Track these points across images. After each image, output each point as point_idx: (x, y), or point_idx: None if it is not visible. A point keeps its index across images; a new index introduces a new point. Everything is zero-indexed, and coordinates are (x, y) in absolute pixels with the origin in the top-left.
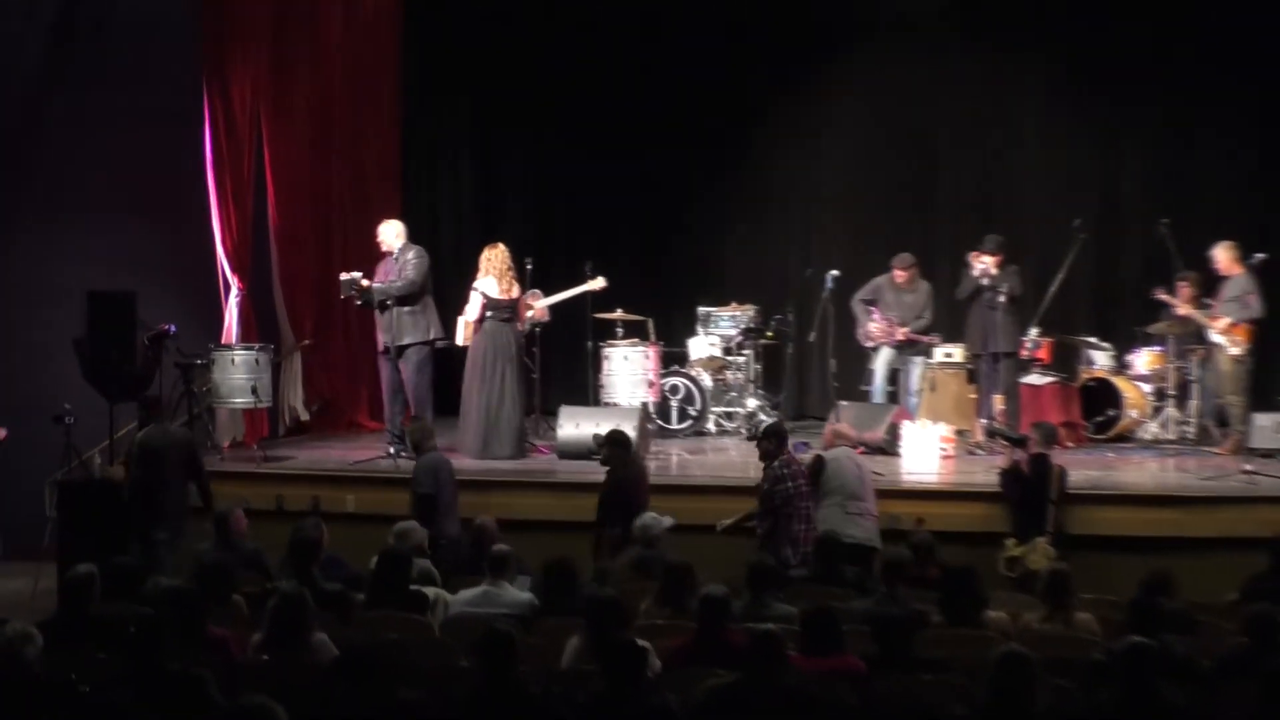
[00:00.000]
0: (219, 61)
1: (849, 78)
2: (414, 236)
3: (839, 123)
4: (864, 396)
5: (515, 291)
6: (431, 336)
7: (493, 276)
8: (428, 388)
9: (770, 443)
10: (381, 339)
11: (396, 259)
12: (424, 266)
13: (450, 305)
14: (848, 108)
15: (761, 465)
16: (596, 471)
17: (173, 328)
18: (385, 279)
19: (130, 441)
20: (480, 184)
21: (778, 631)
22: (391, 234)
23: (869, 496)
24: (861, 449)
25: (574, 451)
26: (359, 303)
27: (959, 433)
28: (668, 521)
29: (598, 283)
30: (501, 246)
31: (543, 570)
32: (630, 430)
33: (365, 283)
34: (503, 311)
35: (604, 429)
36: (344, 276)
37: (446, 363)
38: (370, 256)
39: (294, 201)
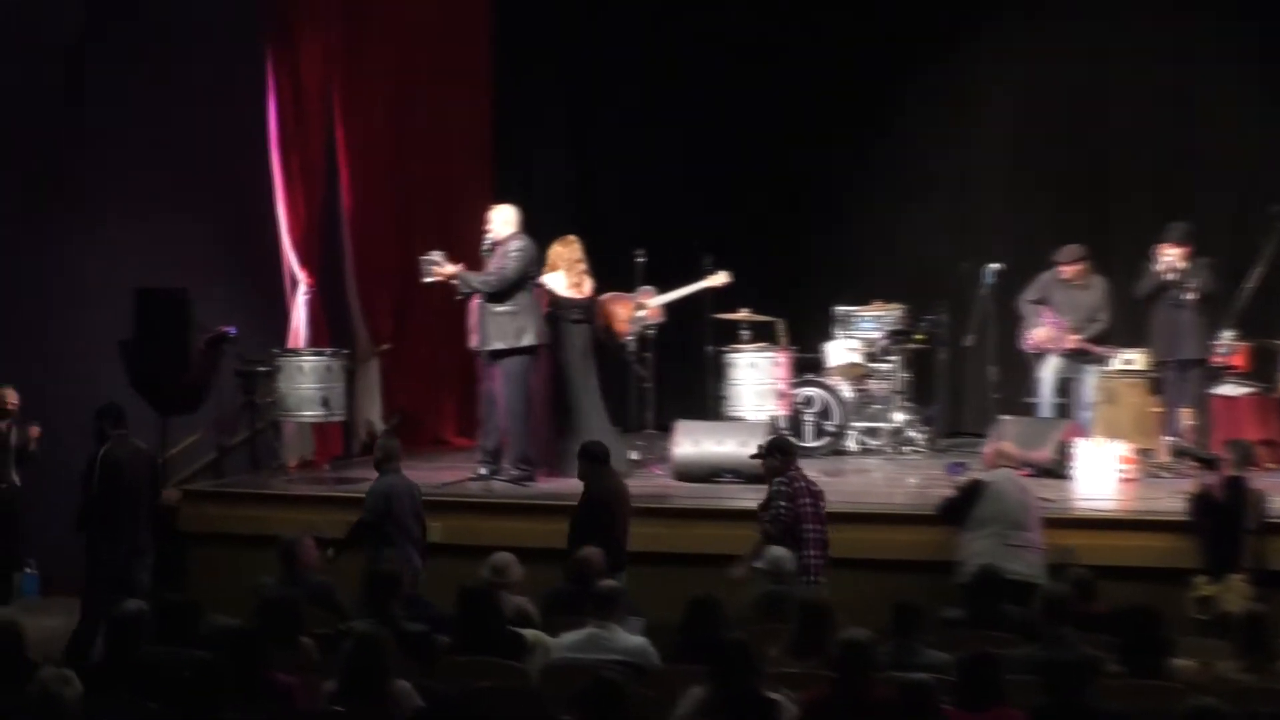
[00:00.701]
0: (285, 28)
1: (1005, 40)
2: None
3: (996, 92)
4: (1030, 410)
5: (588, 288)
6: (525, 342)
7: (560, 270)
8: (522, 401)
9: (775, 459)
10: (473, 340)
11: (501, 248)
12: (524, 260)
13: None
14: (1006, 74)
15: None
16: (721, 496)
17: (232, 330)
18: (489, 269)
19: (93, 458)
20: (581, 168)
21: (929, 682)
22: (500, 220)
23: (1034, 526)
24: (1026, 471)
25: (692, 473)
26: (459, 296)
27: (1140, 452)
28: None
29: (720, 278)
30: (573, 240)
31: (687, 609)
32: (755, 449)
33: (448, 269)
34: (573, 311)
35: (728, 447)
36: (424, 257)
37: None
38: (458, 248)
39: (371, 186)
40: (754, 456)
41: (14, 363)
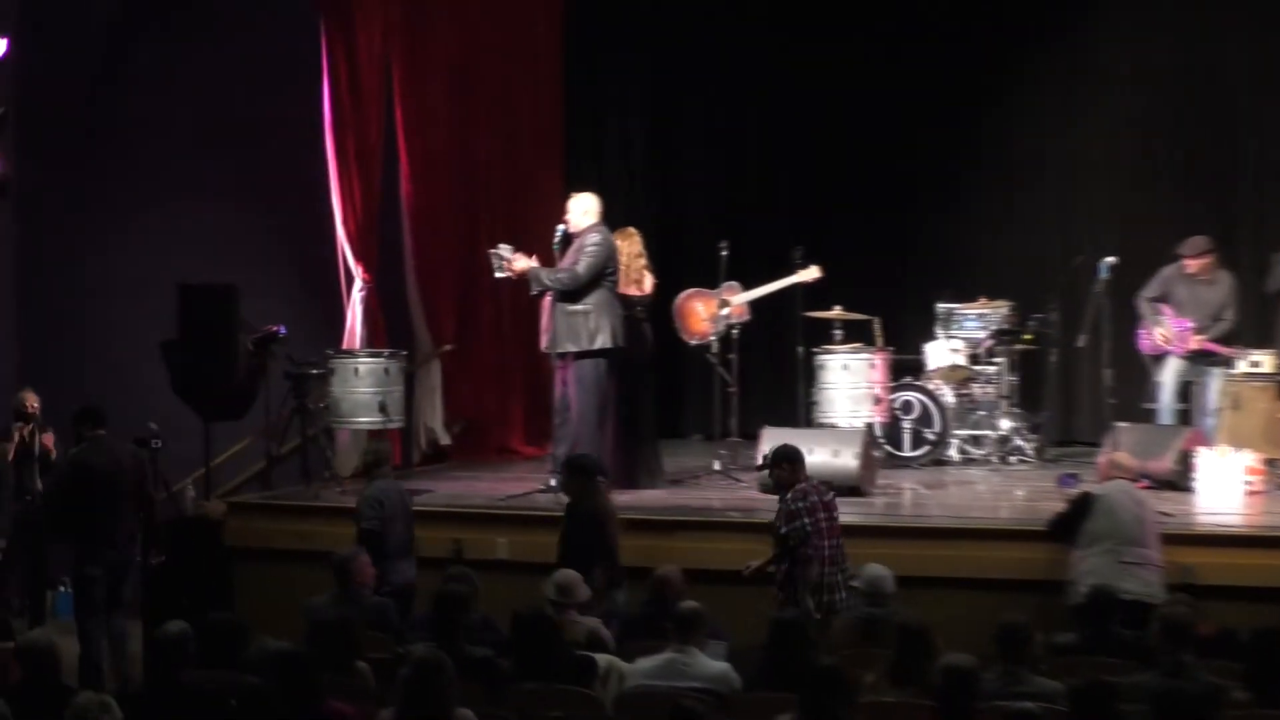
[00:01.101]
0: (341, 3)
1: (1121, 16)
2: None
3: (1112, 72)
4: (1148, 417)
5: (649, 285)
6: (599, 345)
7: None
8: (596, 409)
9: (784, 469)
10: (544, 340)
11: (577, 241)
12: (601, 257)
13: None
14: (1123, 53)
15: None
16: None
17: (283, 329)
18: (564, 264)
19: (62, 459)
20: (659, 154)
21: (1038, 712)
22: (578, 210)
23: (1151, 542)
24: (1144, 483)
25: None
26: (532, 294)
27: (1268, 462)
28: None
29: (811, 273)
30: (633, 232)
31: (772, 632)
32: (852, 458)
33: (519, 263)
34: (634, 310)
35: (818, 456)
36: (493, 250)
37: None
38: (526, 240)
39: (432, 173)
40: (760, 467)
41: (49, 363)
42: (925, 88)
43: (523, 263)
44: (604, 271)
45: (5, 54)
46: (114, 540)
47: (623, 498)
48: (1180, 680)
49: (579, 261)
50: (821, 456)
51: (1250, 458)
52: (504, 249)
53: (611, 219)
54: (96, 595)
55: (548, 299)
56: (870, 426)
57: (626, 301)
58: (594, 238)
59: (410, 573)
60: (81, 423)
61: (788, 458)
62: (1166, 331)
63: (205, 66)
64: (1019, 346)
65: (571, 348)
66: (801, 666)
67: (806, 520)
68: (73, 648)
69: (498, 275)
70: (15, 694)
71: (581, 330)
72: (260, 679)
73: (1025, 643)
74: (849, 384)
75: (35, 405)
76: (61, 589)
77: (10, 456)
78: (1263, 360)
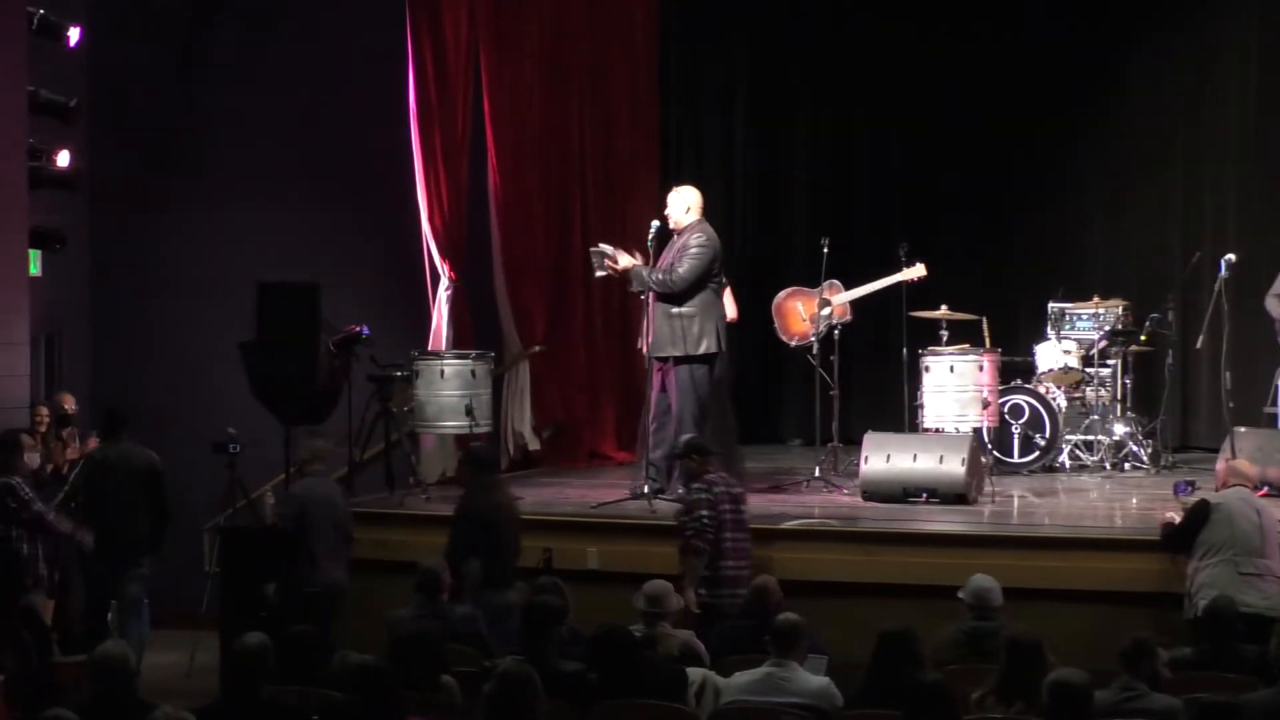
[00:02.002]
0: None
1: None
2: None
3: (1233, 60)
4: (1269, 421)
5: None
6: (703, 350)
7: None
8: (695, 414)
9: (693, 461)
10: (644, 342)
11: (680, 240)
12: (705, 258)
13: None
14: (1244, 38)
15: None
16: (915, 518)
17: (365, 329)
18: (665, 264)
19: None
20: (759, 146)
21: None
22: (679, 206)
23: (1272, 553)
24: (1264, 490)
25: (882, 491)
26: (639, 293)
27: None
28: None
29: (916, 270)
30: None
31: (878, 644)
32: (958, 464)
33: (621, 262)
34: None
35: (923, 462)
36: (593, 248)
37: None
38: (621, 236)
39: (522, 166)
40: (671, 457)
41: (122, 364)
42: (1037, 75)
43: (626, 260)
44: (709, 273)
45: (78, 43)
46: (119, 537)
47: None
48: None
49: (680, 262)
50: (927, 463)
51: None
52: (605, 247)
53: (712, 210)
54: (99, 592)
55: (650, 299)
56: (978, 431)
57: None
58: (698, 238)
59: (338, 575)
60: (103, 426)
61: (697, 450)
62: None
63: (285, 56)
64: (1134, 348)
65: (674, 352)
66: (906, 682)
67: (705, 512)
68: (146, 660)
69: (599, 274)
70: (87, 709)
71: (685, 334)
72: (341, 693)
73: (1142, 658)
74: (955, 387)
75: (73, 408)
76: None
77: (52, 465)
78: None
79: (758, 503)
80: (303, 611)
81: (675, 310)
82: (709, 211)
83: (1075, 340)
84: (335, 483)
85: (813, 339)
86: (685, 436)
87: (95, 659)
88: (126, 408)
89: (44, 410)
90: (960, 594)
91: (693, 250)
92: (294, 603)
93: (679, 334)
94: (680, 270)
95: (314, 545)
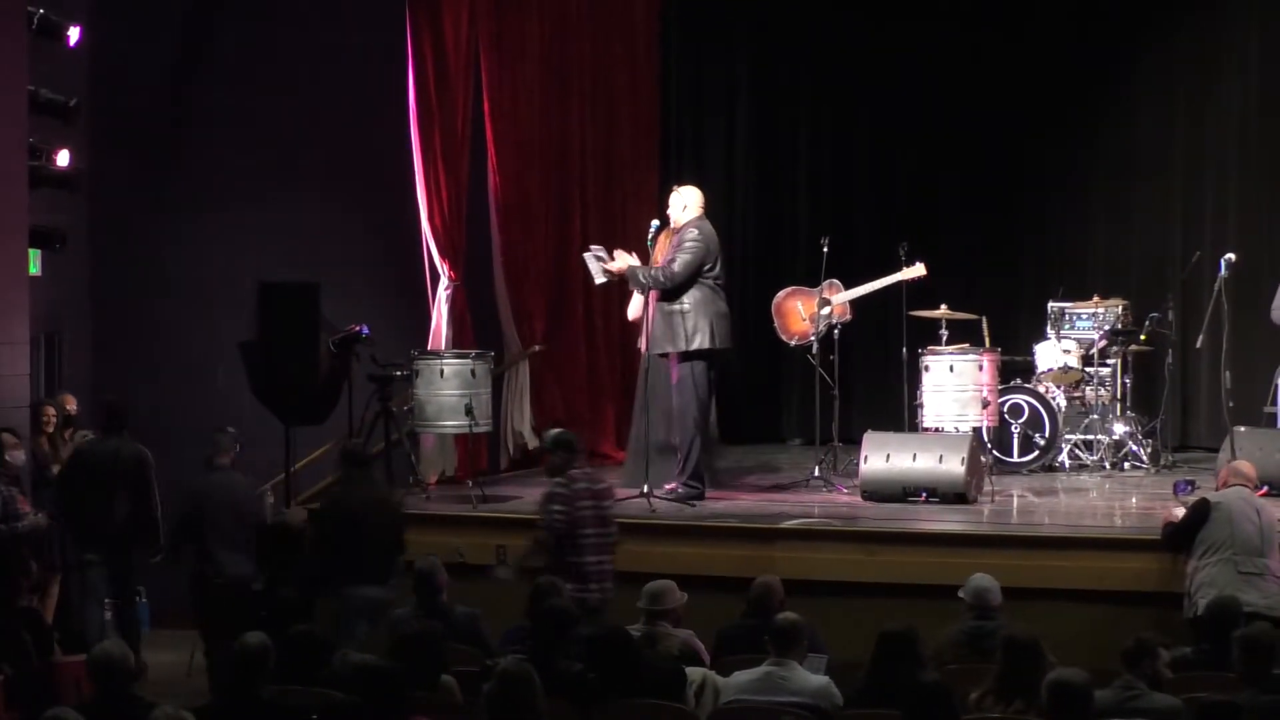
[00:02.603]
0: None
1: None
2: None
3: (1233, 60)
4: (1270, 421)
5: None
6: (696, 345)
7: None
8: (693, 412)
9: (558, 456)
10: (642, 341)
11: (675, 237)
12: (698, 254)
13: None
14: (1244, 39)
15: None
16: (915, 517)
17: (365, 329)
18: (661, 261)
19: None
20: (760, 145)
21: None
22: (678, 205)
23: (1272, 552)
24: (1264, 490)
25: (882, 491)
26: (635, 288)
27: None
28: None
29: (916, 270)
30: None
31: (879, 644)
32: (958, 464)
33: (617, 263)
34: None
35: (923, 462)
36: (586, 254)
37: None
38: (621, 235)
39: (522, 165)
40: (538, 450)
41: (123, 364)
42: (1038, 75)
43: (621, 260)
44: (702, 268)
45: (78, 42)
46: (104, 531)
47: (719, 505)
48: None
49: (675, 258)
50: (927, 462)
51: None
52: (596, 249)
53: (713, 210)
54: (95, 582)
55: (650, 297)
56: (977, 431)
57: None
58: (691, 233)
59: (242, 567)
60: (104, 420)
61: (561, 444)
62: None
63: (285, 56)
64: (1134, 347)
65: (669, 348)
66: (907, 682)
67: (557, 508)
68: (151, 658)
69: (599, 281)
70: (88, 708)
71: (679, 330)
72: (342, 693)
73: (1141, 657)
74: (955, 386)
75: (74, 408)
76: (138, 599)
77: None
78: None
79: (757, 502)
80: (212, 604)
81: (670, 307)
82: (710, 210)
83: (1075, 340)
84: (240, 476)
85: (812, 338)
86: (553, 431)
87: (95, 658)
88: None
89: (51, 410)
90: (960, 593)
91: (686, 245)
92: (206, 594)
93: (674, 330)
94: (673, 266)
95: (209, 538)
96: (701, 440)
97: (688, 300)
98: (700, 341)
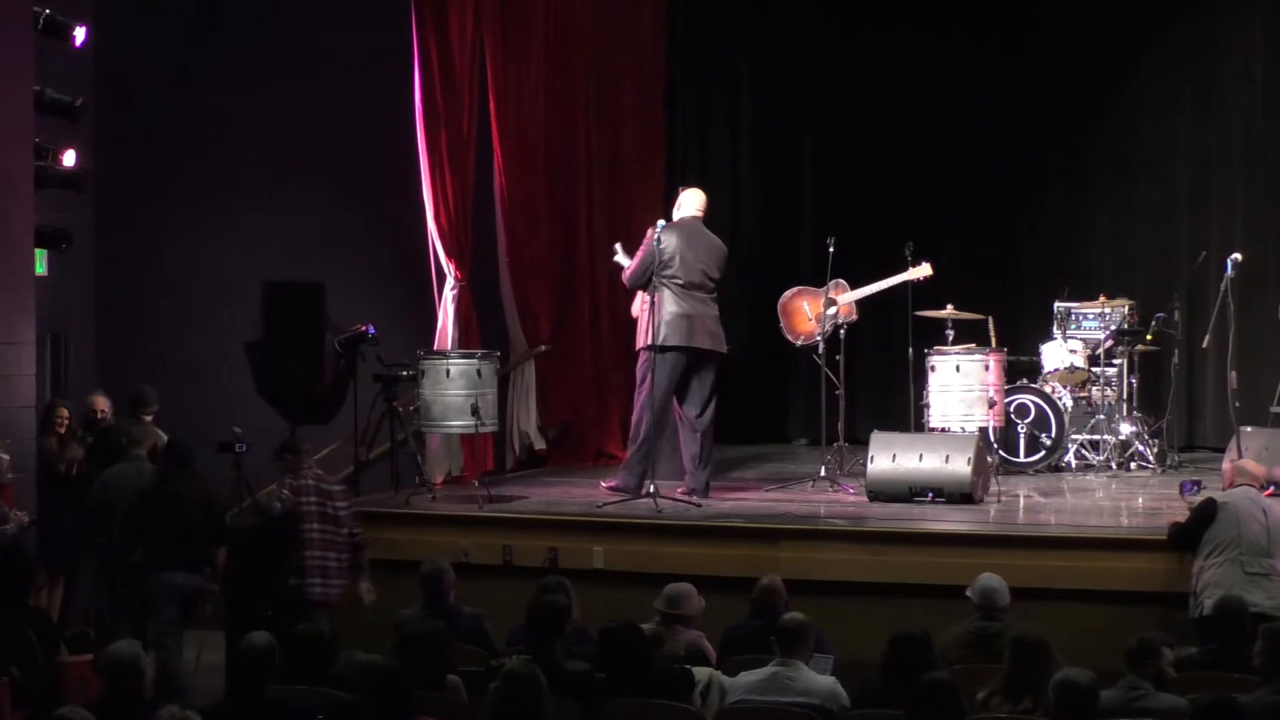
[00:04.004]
0: None
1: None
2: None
3: (1241, 57)
4: (1277, 421)
5: None
6: (641, 343)
7: None
8: (643, 407)
9: (286, 459)
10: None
11: None
12: (646, 255)
13: (725, 297)
14: (1252, 35)
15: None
16: (922, 517)
17: (371, 329)
18: None
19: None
20: (766, 145)
21: None
22: (675, 205)
23: (1279, 552)
24: (1271, 490)
25: (888, 491)
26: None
27: None
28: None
29: (922, 270)
30: None
31: (890, 647)
32: (964, 464)
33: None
34: None
35: (929, 462)
36: (616, 258)
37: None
38: (628, 236)
39: (528, 165)
40: (276, 457)
41: (127, 364)
42: (1044, 73)
43: (618, 257)
44: (649, 269)
45: (83, 43)
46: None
47: (724, 505)
48: None
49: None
50: (933, 462)
51: None
52: (616, 247)
53: (719, 211)
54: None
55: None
56: (984, 431)
57: None
58: (649, 234)
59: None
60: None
61: (290, 449)
62: None
63: (291, 56)
64: (1140, 347)
65: (638, 345)
66: (913, 683)
67: (285, 491)
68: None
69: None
70: (97, 708)
71: (640, 328)
72: (348, 694)
73: (1148, 657)
74: (961, 386)
75: (105, 409)
76: None
77: (75, 469)
78: None
79: (763, 502)
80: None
81: (638, 305)
82: (714, 211)
83: (1081, 340)
84: (151, 467)
85: (818, 338)
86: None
87: (107, 658)
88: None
89: (64, 412)
90: (967, 592)
91: (642, 246)
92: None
93: (639, 328)
94: (631, 263)
95: (114, 528)
96: (643, 437)
97: (650, 299)
98: (650, 339)
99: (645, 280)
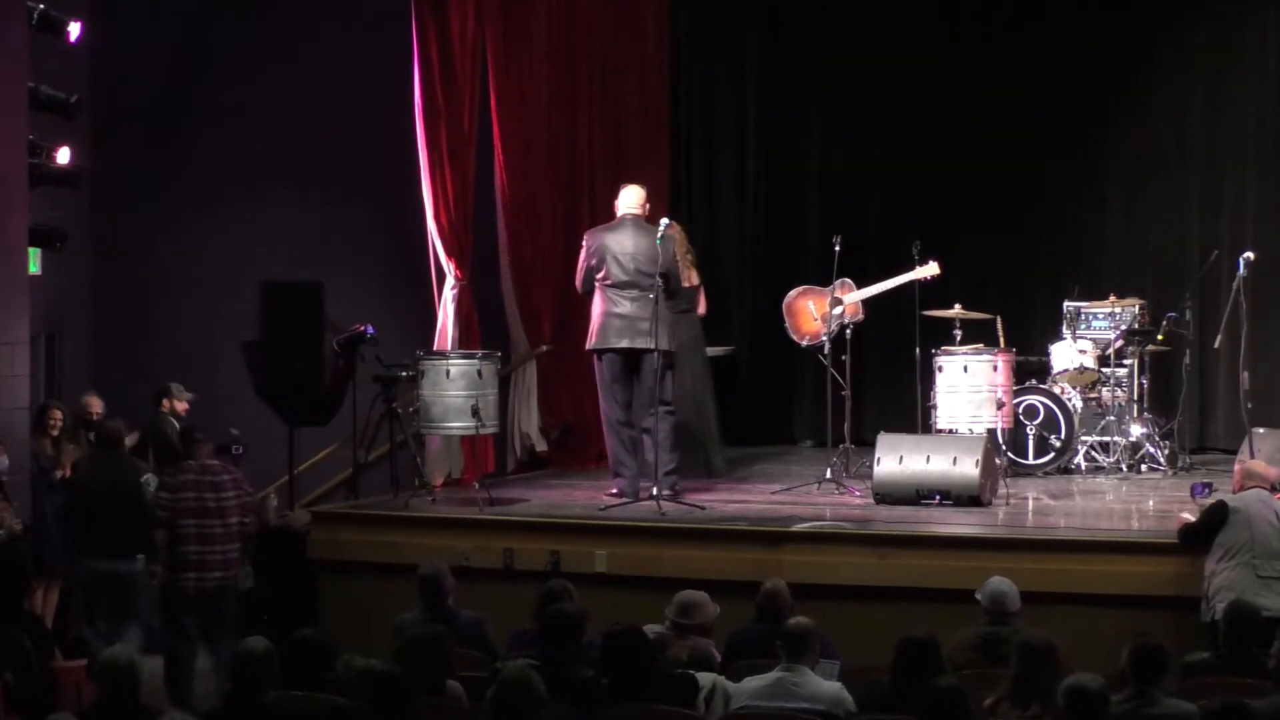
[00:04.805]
0: None
1: None
2: (688, 208)
3: (1253, 50)
4: None
5: (695, 278)
6: (588, 346)
7: None
8: (602, 407)
9: (185, 449)
10: None
11: None
12: (580, 260)
13: (730, 295)
14: (1263, 29)
15: None
16: (930, 520)
17: (370, 329)
18: None
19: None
20: (772, 142)
21: None
22: None
23: None
24: None
25: (895, 493)
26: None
27: None
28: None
29: (929, 269)
30: (675, 225)
31: (897, 652)
32: (972, 466)
33: None
34: (679, 303)
35: (936, 464)
36: None
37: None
38: None
39: (530, 162)
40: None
41: (123, 364)
42: (1054, 71)
43: None
44: (590, 273)
45: (79, 38)
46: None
47: (729, 507)
48: None
49: None
50: (940, 464)
51: None
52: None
53: (722, 210)
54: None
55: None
56: (992, 433)
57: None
58: (584, 240)
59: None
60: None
61: (186, 437)
62: None
63: (289, 52)
64: (1151, 347)
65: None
66: (921, 689)
67: (164, 494)
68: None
69: None
70: (91, 713)
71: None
72: (347, 699)
73: (1162, 667)
74: (969, 387)
75: (99, 410)
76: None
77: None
78: None
79: (768, 505)
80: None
81: None
82: (720, 207)
83: (1091, 340)
84: (128, 463)
85: (824, 338)
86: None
87: (102, 664)
88: (127, 408)
89: (57, 413)
90: (976, 595)
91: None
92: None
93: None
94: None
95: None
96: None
97: (595, 302)
98: (589, 343)
99: (590, 286)
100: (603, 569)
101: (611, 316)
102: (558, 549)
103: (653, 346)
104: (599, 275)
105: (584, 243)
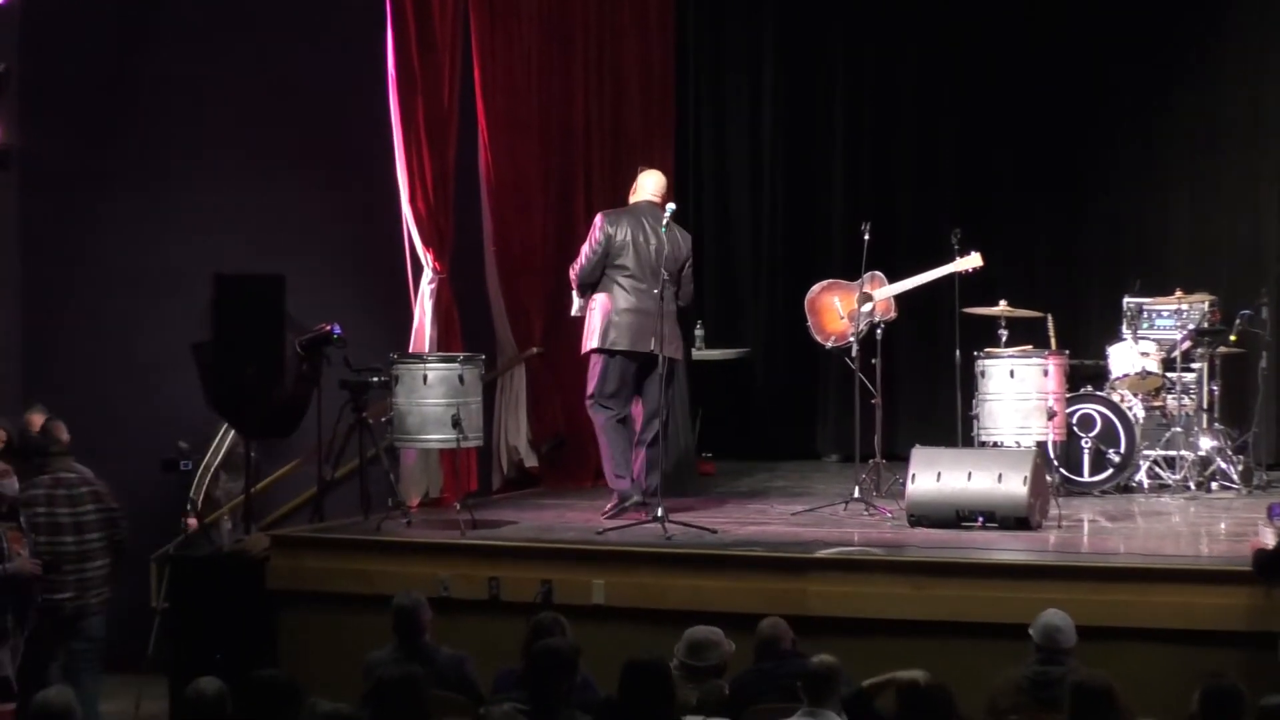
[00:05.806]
0: None
1: None
2: (697, 196)
3: None
4: None
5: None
6: (585, 347)
7: None
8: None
9: (33, 461)
10: None
11: None
12: (585, 249)
13: (745, 290)
14: None
15: None
16: (968, 546)
17: (337, 329)
18: None
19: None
20: (791, 119)
21: None
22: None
23: None
24: None
25: (932, 515)
26: None
27: None
28: None
29: (971, 261)
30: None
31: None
32: (1019, 484)
33: None
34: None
35: (980, 481)
36: None
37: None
38: None
39: (518, 143)
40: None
41: (59, 370)
42: (1110, 35)
43: None
44: (591, 262)
45: (7, 3)
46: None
47: (744, 530)
48: None
49: None
50: (983, 482)
51: None
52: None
53: (737, 193)
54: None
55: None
56: (1042, 446)
57: None
58: (596, 222)
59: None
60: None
61: (35, 450)
62: None
63: (246, 19)
64: (1222, 349)
65: (584, 348)
66: None
67: (32, 511)
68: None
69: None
70: None
71: (585, 329)
72: None
73: (1236, 712)
74: (1016, 394)
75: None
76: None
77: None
78: None
79: (788, 528)
80: None
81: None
82: (736, 190)
83: (1154, 341)
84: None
85: (852, 339)
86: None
87: (35, 707)
88: (62, 417)
89: (2, 433)
90: (1030, 630)
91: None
92: None
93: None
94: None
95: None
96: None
97: (594, 299)
98: (590, 343)
99: (594, 276)
100: (600, 600)
101: (625, 313)
102: (549, 578)
103: (669, 353)
104: (616, 264)
105: (597, 223)
